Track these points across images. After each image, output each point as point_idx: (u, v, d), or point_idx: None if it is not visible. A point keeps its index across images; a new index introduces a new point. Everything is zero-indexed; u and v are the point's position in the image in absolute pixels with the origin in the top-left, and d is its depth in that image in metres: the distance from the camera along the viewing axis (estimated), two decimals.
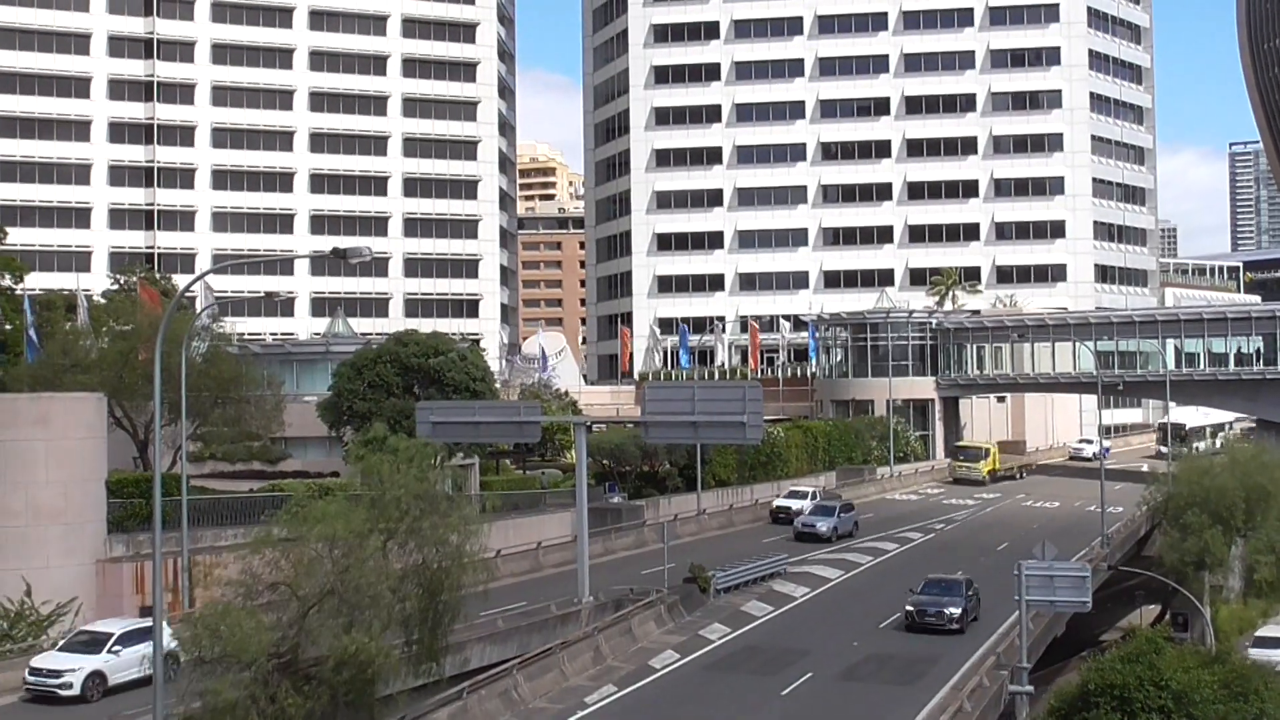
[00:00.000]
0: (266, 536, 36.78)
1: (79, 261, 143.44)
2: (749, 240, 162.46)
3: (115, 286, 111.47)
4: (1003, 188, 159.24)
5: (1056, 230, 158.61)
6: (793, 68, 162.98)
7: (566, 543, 68.84)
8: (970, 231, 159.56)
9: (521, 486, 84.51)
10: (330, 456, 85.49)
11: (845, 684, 47.04)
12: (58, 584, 53.05)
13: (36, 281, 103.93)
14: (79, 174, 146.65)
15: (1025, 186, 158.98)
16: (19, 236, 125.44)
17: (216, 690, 33.59)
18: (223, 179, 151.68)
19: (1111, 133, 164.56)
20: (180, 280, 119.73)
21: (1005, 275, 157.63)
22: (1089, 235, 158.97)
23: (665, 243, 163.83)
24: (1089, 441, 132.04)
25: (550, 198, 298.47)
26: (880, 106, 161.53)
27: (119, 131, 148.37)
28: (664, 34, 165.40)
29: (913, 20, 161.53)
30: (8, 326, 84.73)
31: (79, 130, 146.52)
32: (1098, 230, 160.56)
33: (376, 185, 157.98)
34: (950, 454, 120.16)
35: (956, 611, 54.83)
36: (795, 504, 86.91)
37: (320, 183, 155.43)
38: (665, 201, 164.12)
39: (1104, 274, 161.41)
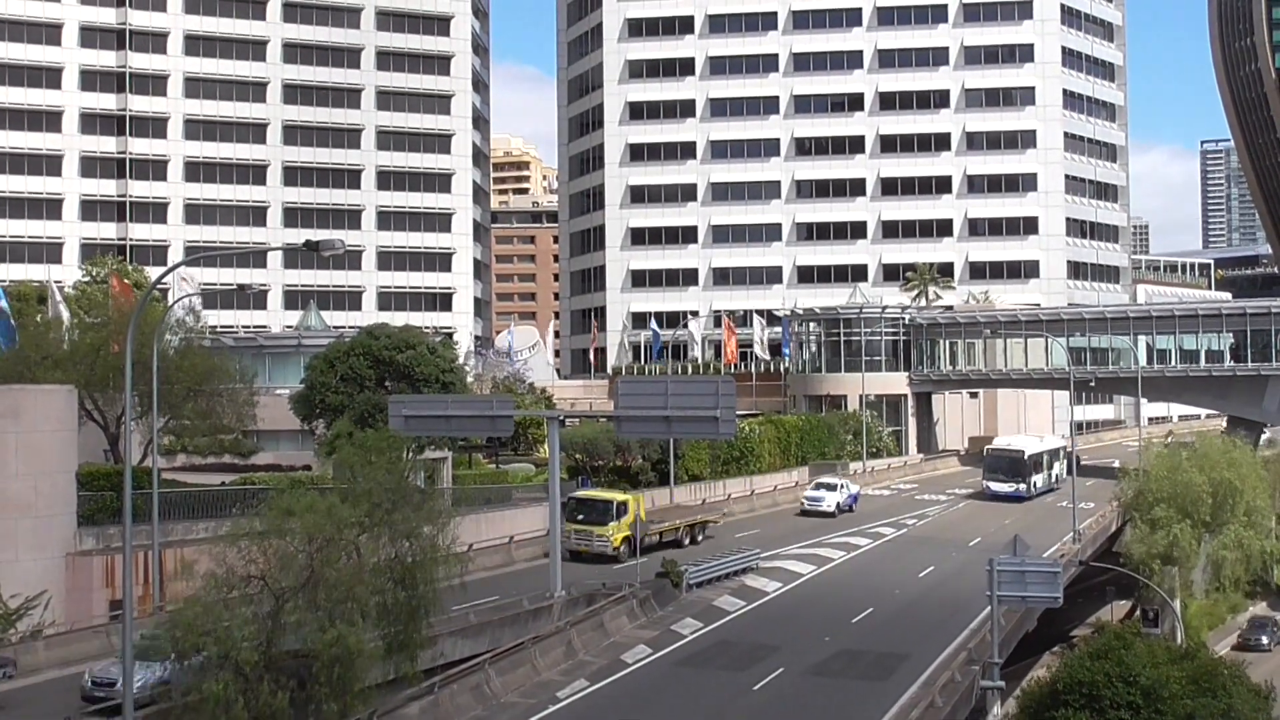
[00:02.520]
0: (243, 529, 36.75)
1: (50, 253, 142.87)
2: (723, 235, 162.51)
3: (87, 278, 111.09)
4: (976, 184, 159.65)
5: (1029, 226, 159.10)
6: (767, 63, 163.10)
7: (539, 537, 68.73)
8: (944, 227, 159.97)
9: (494, 480, 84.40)
10: (303, 450, 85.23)
11: (816, 679, 47.10)
12: (27, 577, 52.74)
13: (7, 273, 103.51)
14: (50, 165, 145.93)
15: (999, 183, 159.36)
16: None
17: (197, 686, 33.57)
18: (195, 171, 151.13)
19: (1084, 130, 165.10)
20: (152, 272, 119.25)
21: (978, 271, 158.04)
22: (1061, 232, 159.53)
23: (639, 237, 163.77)
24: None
25: (524, 192, 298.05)
26: (854, 102, 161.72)
27: (91, 122, 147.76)
28: (639, 28, 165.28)
29: (887, 16, 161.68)
30: None
31: (50, 121, 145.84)
32: (1070, 227, 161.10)
33: (350, 178, 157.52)
34: (568, 514, 69.38)
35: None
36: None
37: (294, 175, 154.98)
38: (639, 196, 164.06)
39: (1076, 270, 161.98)
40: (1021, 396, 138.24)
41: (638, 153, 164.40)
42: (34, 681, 44.59)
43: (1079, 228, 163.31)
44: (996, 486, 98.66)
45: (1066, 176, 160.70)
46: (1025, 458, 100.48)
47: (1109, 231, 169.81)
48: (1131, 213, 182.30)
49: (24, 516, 54.86)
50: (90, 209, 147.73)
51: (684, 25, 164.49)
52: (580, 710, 43.18)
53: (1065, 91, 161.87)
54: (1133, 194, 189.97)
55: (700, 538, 76.49)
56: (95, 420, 68.99)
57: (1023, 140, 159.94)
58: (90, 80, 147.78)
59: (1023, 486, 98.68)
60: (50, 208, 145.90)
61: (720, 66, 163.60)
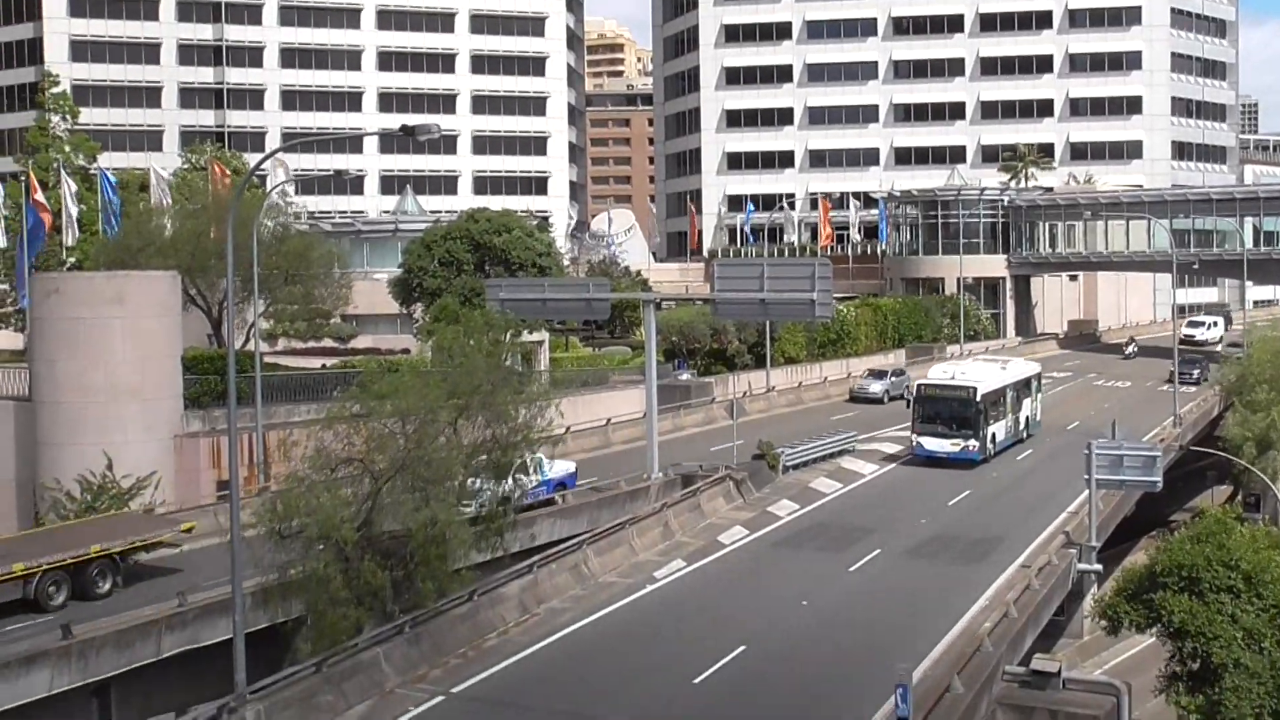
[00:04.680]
0: (340, 412, 37.28)
1: (150, 140, 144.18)
2: (819, 117, 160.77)
3: (187, 165, 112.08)
4: (1078, 63, 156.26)
5: (1133, 106, 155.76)
6: None
7: (635, 419, 69.10)
8: (1044, 108, 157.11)
9: (590, 363, 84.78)
10: (401, 334, 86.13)
11: (913, 561, 47.23)
12: (137, 459, 53.92)
13: (109, 161, 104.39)
14: (149, 53, 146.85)
15: (1101, 62, 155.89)
16: (91, 116, 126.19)
17: (299, 563, 34.34)
18: (291, 57, 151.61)
19: (1191, 5, 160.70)
20: (250, 159, 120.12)
21: (1079, 152, 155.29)
22: (1166, 111, 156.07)
23: (734, 119, 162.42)
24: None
25: (618, 75, 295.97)
26: None
27: (187, 11, 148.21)
28: None
29: None
30: (82, 206, 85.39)
31: (148, 10, 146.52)
32: (1175, 106, 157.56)
33: (444, 62, 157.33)
34: None
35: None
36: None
37: (388, 60, 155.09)
38: (734, 78, 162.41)
39: (1181, 150, 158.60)
40: (1122, 280, 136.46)
41: (733, 34, 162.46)
42: (150, 557, 45.64)
43: (1185, 107, 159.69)
44: (932, 444, 65.45)
45: (1172, 54, 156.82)
46: (977, 399, 65.40)
47: (1216, 110, 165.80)
48: (1240, 91, 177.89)
49: (132, 400, 55.94)
50: (189, 96, 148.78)
51: None
52: (677, 590, 43.62)
53: None
54: (1242, 71, 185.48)
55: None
56: (198, 305, 70.01)
57: (1127, 17, 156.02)
58: None
59: (973, 444, 65.04)
60: (150, 95, 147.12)
61: None
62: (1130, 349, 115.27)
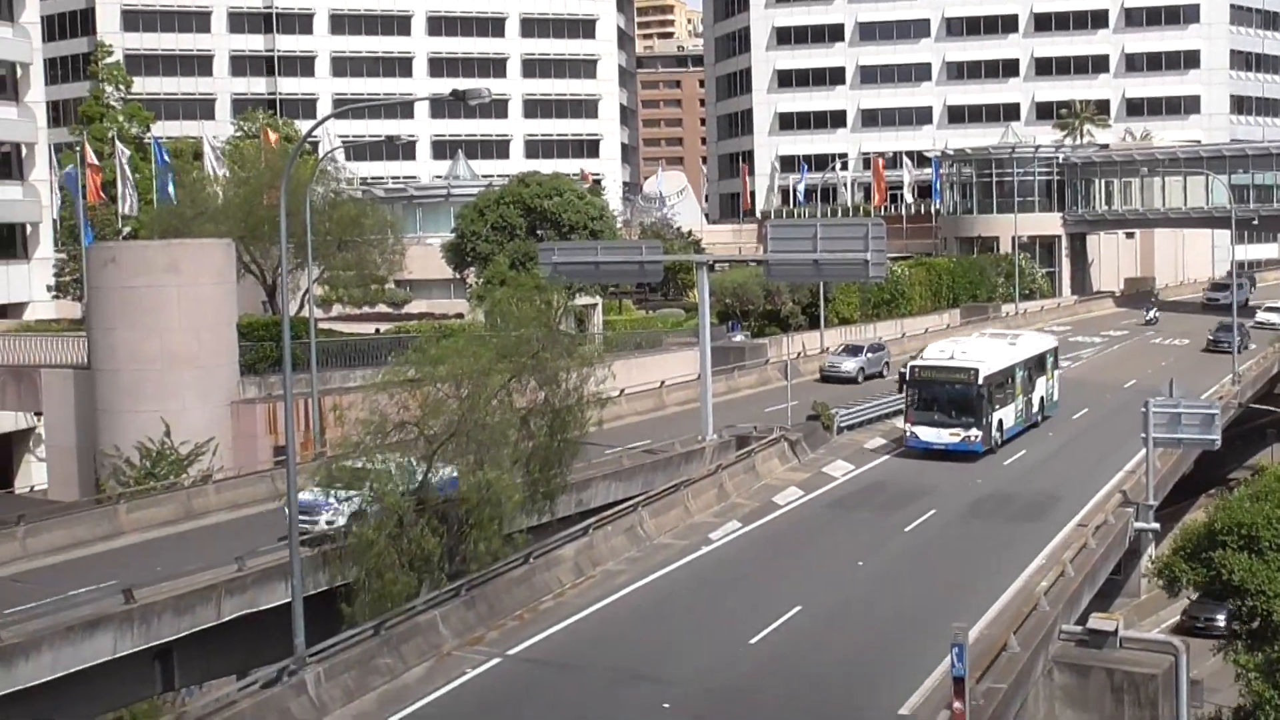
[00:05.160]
0: (394, 377, 37.49)
1: (203, 109, 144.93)
2: (871, 75, 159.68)
3: (239, 133, 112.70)
4: (1134, 17, 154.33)
5: (1190, 60, 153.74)
6: None
7: (689, 381, 69.08)
8: (1099, 63, 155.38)
9: (644, 326, 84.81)
10: (454, 299, 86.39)
11: (968, 521, 47.10)
12: (194, 425, 54.44)
13: (161, 130, 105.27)
14: (200, 21, 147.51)
15: (1158, 15, 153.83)
16: (144, 85, 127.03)
17: (358, 532, 34.62)
18: (341, 23, 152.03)
19: None
20: (302, 126, 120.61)
21: (1135, 108, 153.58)
22: (1225, 65, 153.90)
23: (786, 79, 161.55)
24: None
25: (669, 36, 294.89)
26: None
27: None
28: None
29: None
30: (136, 175, 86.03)
31: None
32: (1235, 59, 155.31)
33: (494, 27, 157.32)
34: None
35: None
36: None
37: (438, 25, 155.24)
38: (785, 37, 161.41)
39: (1240, 105, 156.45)
40: (1179, 236, 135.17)
41: None
42: (209, 523, 46.17)
43: (1244, 60, 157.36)
44: (928, 434, 57.11)
45: (1231, 6, 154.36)
46: (979, 381, 56.72)
47: (1276, 63, 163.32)
48: None
49: (189, 367, 56.45)
50: (240, 64, 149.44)
51: None
52: (733, 551, 43.68)
53: None
54: None
55: None
56: (252, 272, 70.49)
57: None
58: None
59: (975, 433, 56.57)
60: (201, 64, 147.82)
61: None
62: (1152, 313, 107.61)
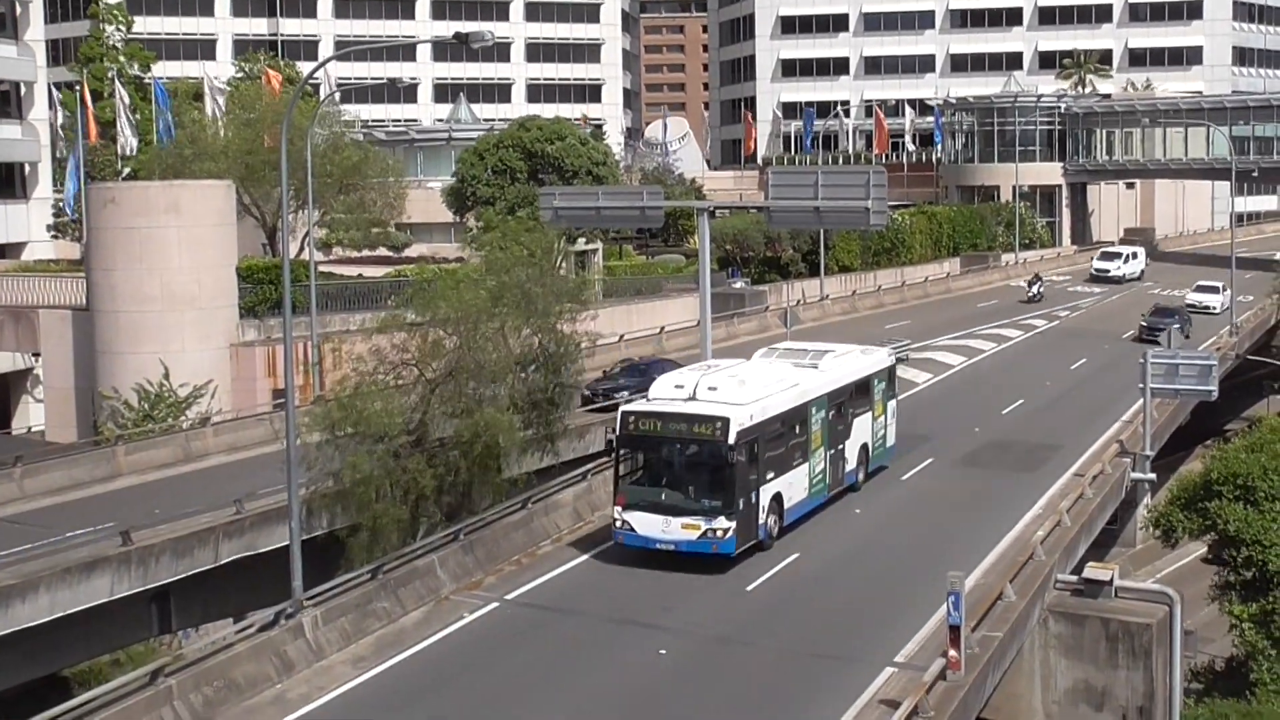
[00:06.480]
0: (392, 319, 37.54)
1: (204, 49, 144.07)
2: (874, 23, 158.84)
3: (240, 74, 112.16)
4: None
5: (1193, 11, 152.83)
6: None
7: (689, 327, 68.99)
8: (1102, 13, 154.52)
9: (644, 271, 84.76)
10: (454, 242, 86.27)
11: (966, 469, 47.10)
12: (194, 367, 54.52)
13: (162, 71, 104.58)
14: None
15: None
16: (144, 25, 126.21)
17: (353, 464, 34.67)
18: None
19: None
20: (304, 68, 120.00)
21: (1138, 58, 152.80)
22: (1228, 16, 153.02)
23: (789, 26, 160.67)
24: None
25: None
26: None
27: None
28: None
29: None
30: (136, 115, 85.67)
31: None
32: (1237, 10, 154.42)
33: None
34: None
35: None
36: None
37: None
38: None
39: (1242, 56, 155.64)
40: (1180, 187, 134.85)
41: None
42: (207, 465, 46.32)
43: (1247, 11, 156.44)
44: (646, 526, 35.19)
45: None
46: (730, 436, 34.58)
47: (1279, 14, 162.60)
48: None
49: (189, 309, 56.48)
50: (241, 4, 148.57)
51: None
52: None
53: None
54: None
55: None
56: (252, 215, 70.37)
57: None
58: None
59: (721, 524, 34.50)
60: (203, 4, 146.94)
61: None
62: (1036, 288, 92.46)
